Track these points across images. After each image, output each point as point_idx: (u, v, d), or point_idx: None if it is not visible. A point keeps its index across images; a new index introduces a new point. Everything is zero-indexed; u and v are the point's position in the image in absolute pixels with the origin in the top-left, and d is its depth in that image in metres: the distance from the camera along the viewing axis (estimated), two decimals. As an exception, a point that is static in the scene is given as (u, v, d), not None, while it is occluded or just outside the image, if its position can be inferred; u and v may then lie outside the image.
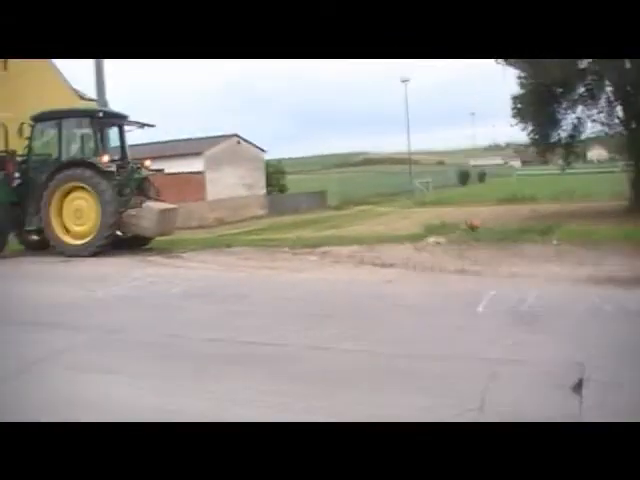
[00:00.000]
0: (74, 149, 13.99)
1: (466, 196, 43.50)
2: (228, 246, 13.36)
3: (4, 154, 14.19)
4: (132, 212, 13.23)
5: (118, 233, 13.53)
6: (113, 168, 13.24)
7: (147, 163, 14.42)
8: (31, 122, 13.80)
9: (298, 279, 9.36)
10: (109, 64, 18.18)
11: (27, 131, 13.81)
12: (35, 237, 14.37)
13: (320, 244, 12.45)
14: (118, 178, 13.28)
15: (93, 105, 20.02)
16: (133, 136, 15.03)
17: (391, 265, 9.74)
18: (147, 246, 14.14)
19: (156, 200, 14.07)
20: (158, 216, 13.37)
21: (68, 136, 13.79)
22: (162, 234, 14.13)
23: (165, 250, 13.34)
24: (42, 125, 13.95)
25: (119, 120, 14.62)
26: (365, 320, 6.87)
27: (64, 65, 28.23)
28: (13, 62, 25.39)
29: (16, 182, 13.80)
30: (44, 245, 13.87)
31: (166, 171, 34.36)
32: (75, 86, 29.48)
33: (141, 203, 13.47)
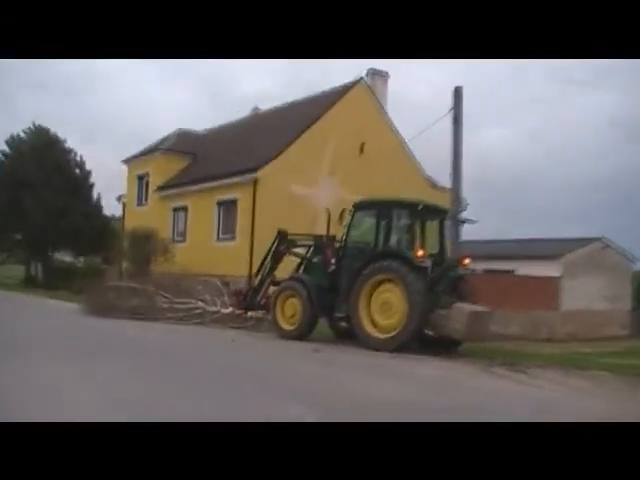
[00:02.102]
0: (391, 240, 13.56)
1: None
2: (581, 368, 11.56)
3: (324, 240, 14.58)
4: (442, 312, 12.35)
5: (429, 332, 12.76)
6: (427, 263, 12.51)
7: (466, 261, 13.45)
8: (352, 209, 13.94)
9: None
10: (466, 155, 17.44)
11: (348, 218, 13.92)
12: (344, 324, 14.25)
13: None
14: (431, 275, 12.53)
15: (445, 196, 19.77)
16: (475, 232, 14.31)
17: None
18: (478, 353, 12.96)
19: (470, 302, 12.97)
20: (468, 318, 12.22)
21: (386, 227, 13.49)
22: (472, 339, 12.93)
23: (507, 361, 11.79)
24: (362, 213, 14.02)
25: (440, 214, 14.05)
26: None
27: (421, 151, 28.84)
28: (369, 145, 26.81)
29: (331, 268, 13.95)
30: (352, 334, 13.55)
31: (516, 273, 33.11)
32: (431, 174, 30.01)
33: (452, 303, 12.54)
